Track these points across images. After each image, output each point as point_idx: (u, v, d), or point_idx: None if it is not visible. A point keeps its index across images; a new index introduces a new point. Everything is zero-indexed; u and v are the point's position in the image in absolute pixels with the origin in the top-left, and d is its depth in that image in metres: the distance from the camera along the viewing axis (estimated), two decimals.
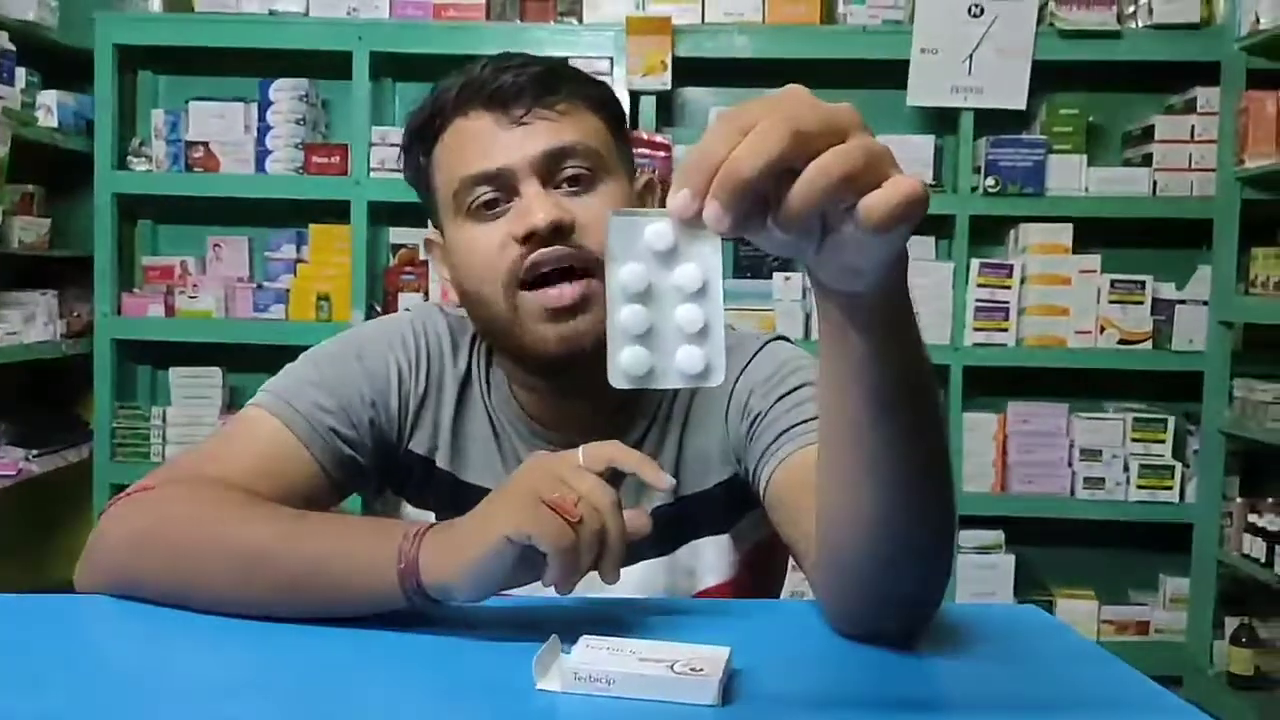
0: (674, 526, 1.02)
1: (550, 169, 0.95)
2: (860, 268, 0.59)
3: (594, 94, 1.00)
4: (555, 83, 0.97)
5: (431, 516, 1.03)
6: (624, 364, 0.59)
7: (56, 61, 2.94)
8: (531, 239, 0.93)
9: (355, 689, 0.73)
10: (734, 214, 0.55)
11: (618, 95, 1.04)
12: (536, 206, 0.93)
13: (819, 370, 0.71)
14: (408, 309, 1.14)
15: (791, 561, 1.03)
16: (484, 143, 0.96)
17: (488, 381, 1.06)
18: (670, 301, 0.59)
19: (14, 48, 2.73)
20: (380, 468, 1.04)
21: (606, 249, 0.58)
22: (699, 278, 0.58)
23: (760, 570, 1.07)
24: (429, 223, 1.06)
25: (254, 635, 0.80)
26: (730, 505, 1.04)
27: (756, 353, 1.03)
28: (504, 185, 0.95)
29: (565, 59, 1.07)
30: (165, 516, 0.87)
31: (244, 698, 0.70)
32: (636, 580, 1.00)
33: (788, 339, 1.08)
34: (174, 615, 0.83)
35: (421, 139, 1.01)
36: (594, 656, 0.71)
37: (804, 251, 0.59)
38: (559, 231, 0.93)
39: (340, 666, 0.76)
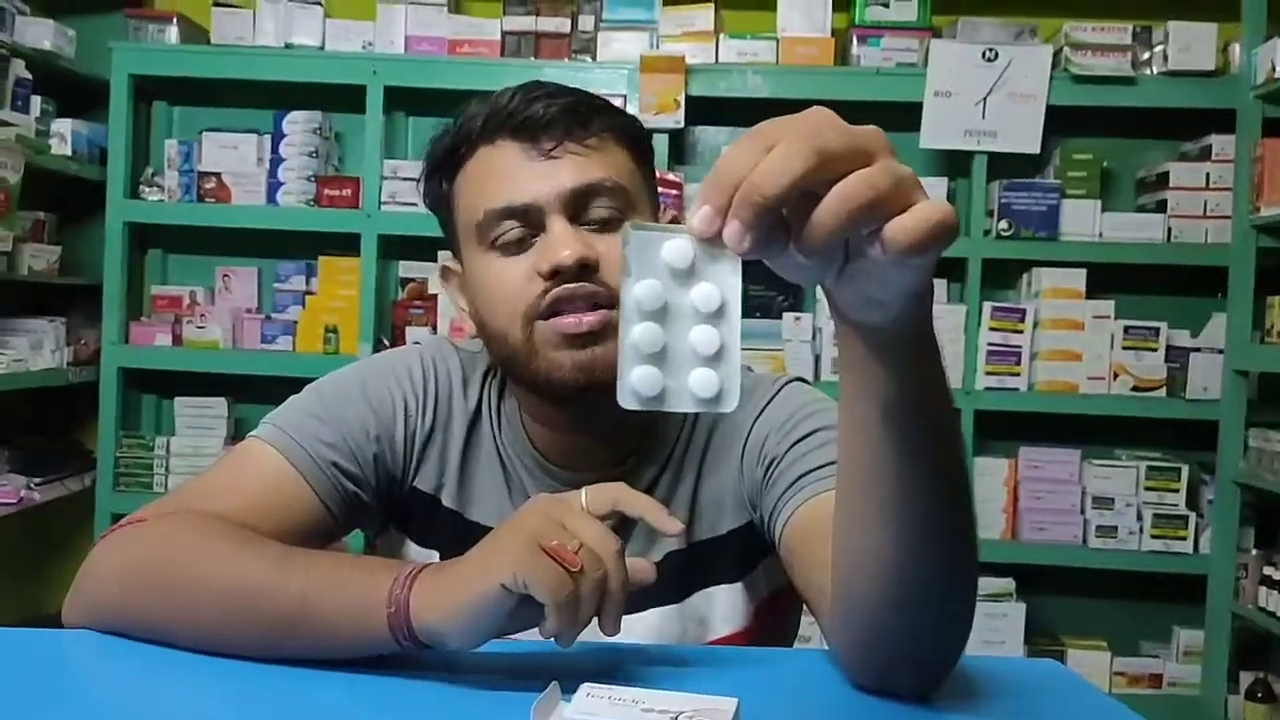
0: (685, 573, 0.99)
1: (578, 206, 0.93)
2: (883, 298, 0.57)
3: (624, 126, 0.98)
4: (586, 115, 0.95)
5: (436, 555, 1.01)
6: (634, 383, 0.56)
7: (72, 90, 2.96)
8: (556, 275, 0.91)
9: None
10: (754, 234, 0.53)
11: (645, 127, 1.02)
12: (563, 244, 0.91)
13: (839, 408, 0.68)
14: (418, 342, 1.12)
15: (805, 609, 1.00)
16: (511, 175, 0.94)
17: (498, 418, 1.03)
18: (686, 321, 0.57)
19: (30, 76, 2.75)
20: (384, 504, 1.01)
21: (622, 263, 0.56)
22: (717, 298, 0.56)
23: (775, 620, 1.04)
24: (441, 250, 1.04)
25: (242, 676, 0.77)
26: (744, 553, 1.01)
27: (774, 396, 1.01)
28: (530, 220, 0.93)
29: None
30: (154, 551, 0.84)
31: None
32: (646, 628, 0.97)
33: (806, 381, 1.05)
34: (160, 653, 0.81)
35: (445, 165, 0.99)
36: (594, 706, 0.68)
37: (825, 278, 0.57)
38: (584, 269, 0.91)
39: (330, 711, 0.73)
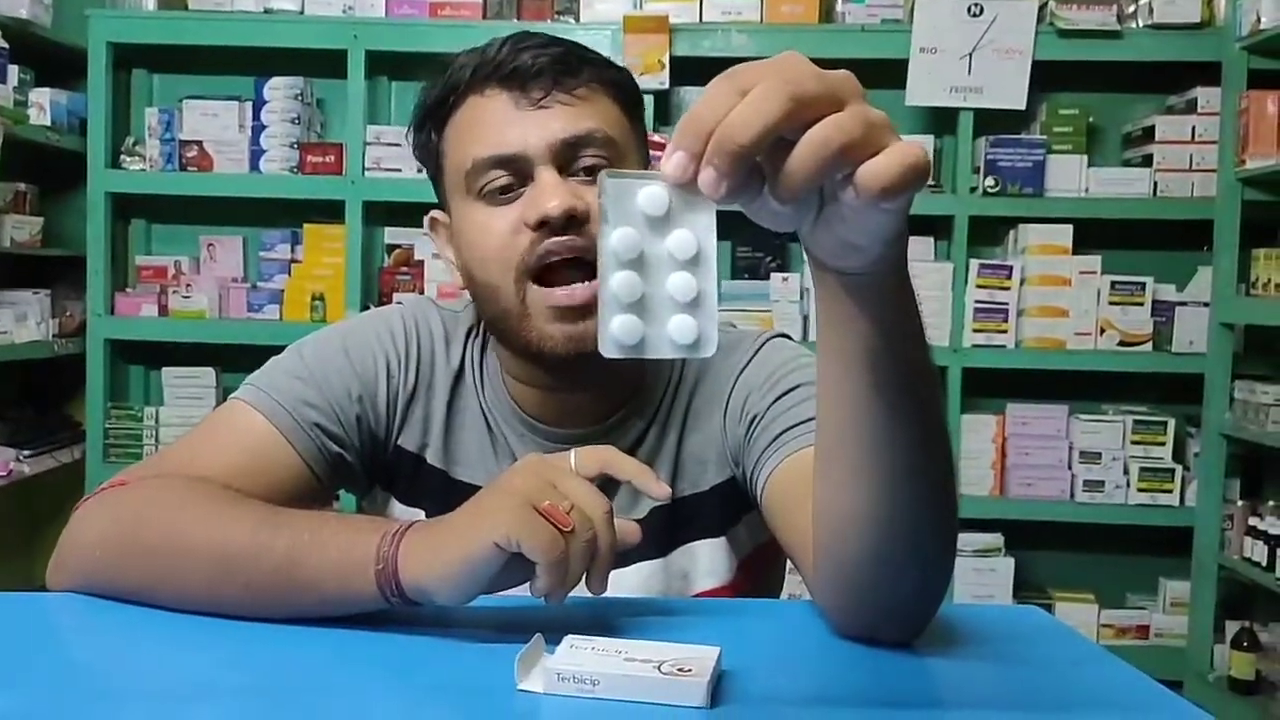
0: (669, 528, 1.00)
1: (567, 156, 0.93)
2: (859, 243, 0.57)
3: (614, 78, 0.97)
4: (576, 65, 0.94)
5: (421, 514, 1.01)
6: (615, 332, 0.57)
7: (50, 59, 2.93)
8: (544, 226, 0.91)
9: (330, 690, 0.70)
10: (729, 181, 0.53)
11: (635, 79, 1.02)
12: (551, 194, 0.90)
13: (818, 362, 0.68)
14: (400, 302, 1.12)
15: (790, 565, 1.01)
16: (500, 124, 0.93)
17: (481, 377, 1.03)
18: (663, 269, 0.57)
19: (7, 45, 2.72)
20: (368, 465, 1.01)
21: (599, 211, 0.57)
22: (693, 245, 0.57)
23: (759, 575, 1.05)
24: (427, 215, 1.04)
25: (227, 634, 0.77)
26: (727, 508, 1.01)
27: (755, 352, 1.01)
28: (518, 170, 0.93)
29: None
30: (138, 514, 0.84)
31: (216, 698, 0.68)
32: (629, 583, 0.97)
33: (788, 336, 1.05)
34: (145, 614, 0.81)
35: (434, 115, 0.98)
36: (578, 657, 0.68)
37: (800, 224, 0.57)
38: (572, 220, 0.91)
39: (315, 666, 0.73)
